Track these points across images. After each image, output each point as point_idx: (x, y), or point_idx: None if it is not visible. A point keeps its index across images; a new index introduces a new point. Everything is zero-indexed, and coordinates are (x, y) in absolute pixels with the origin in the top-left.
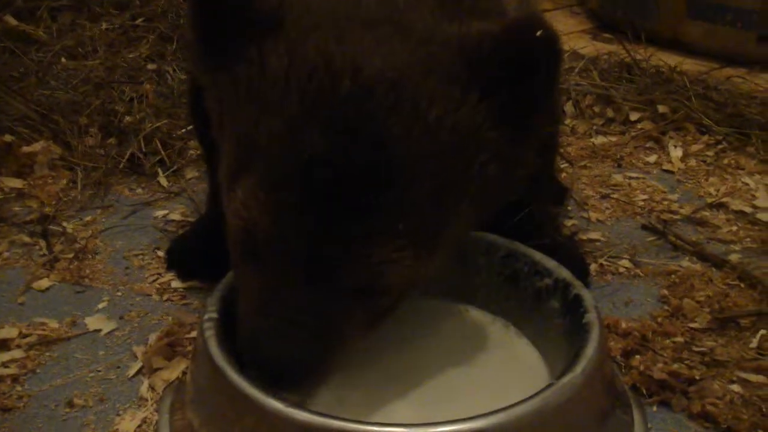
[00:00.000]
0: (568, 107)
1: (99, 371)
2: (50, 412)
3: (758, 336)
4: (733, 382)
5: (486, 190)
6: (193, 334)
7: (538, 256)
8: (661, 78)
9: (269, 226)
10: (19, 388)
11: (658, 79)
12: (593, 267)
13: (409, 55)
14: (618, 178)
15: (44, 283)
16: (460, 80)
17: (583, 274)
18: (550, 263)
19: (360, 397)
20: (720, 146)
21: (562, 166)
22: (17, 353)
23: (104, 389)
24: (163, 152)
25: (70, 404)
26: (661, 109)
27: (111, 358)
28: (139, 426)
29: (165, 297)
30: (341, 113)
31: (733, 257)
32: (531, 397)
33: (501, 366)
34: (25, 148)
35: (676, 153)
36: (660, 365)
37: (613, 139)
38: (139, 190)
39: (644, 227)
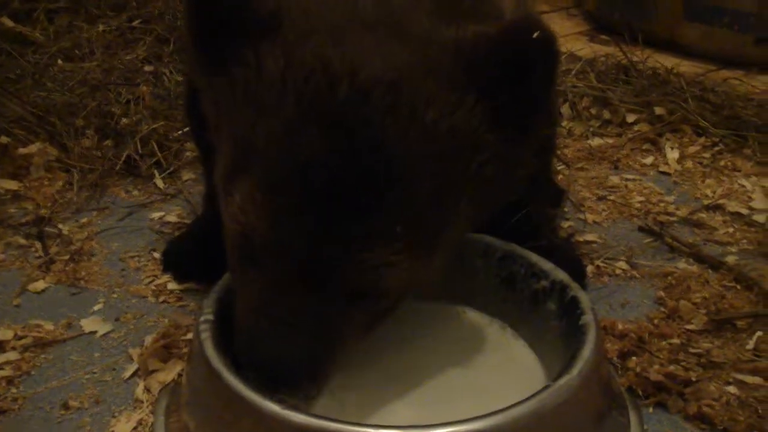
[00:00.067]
0: (565, 109)
1: (94, 373)
2: (45, 414)
3: (755, 338)
4: (729, 383)
5: (484, 191)
6: (189, 336)
7: (535, 257)
8: (658, 80)
9: (266, 230)
10: (14, 390)
11: (654, 81)
12: (590, 269)
13: (407, 58)
14: (615, 179)
15: (40, 284)
16: (458, 82)
17: (579, 276)
18: (547, 265)
19: (358, 399)
20: (716, 148)
21: (558, 167)
22: (12, 355)
23: (100, 391)
24: (159, 154)
25: (66, 406)
26: (658, 111)
27: (106, 360)
28: (135, 428)
29: (161, 299)
30: (338, 116)
31: (730, 259)
32: (528, 399)
33: (498, 368)
34: (21, 150)
35: (673, 155)
36: (656, 367)
37: (610, 140)
38: (136, 192)
39: (641, 229)
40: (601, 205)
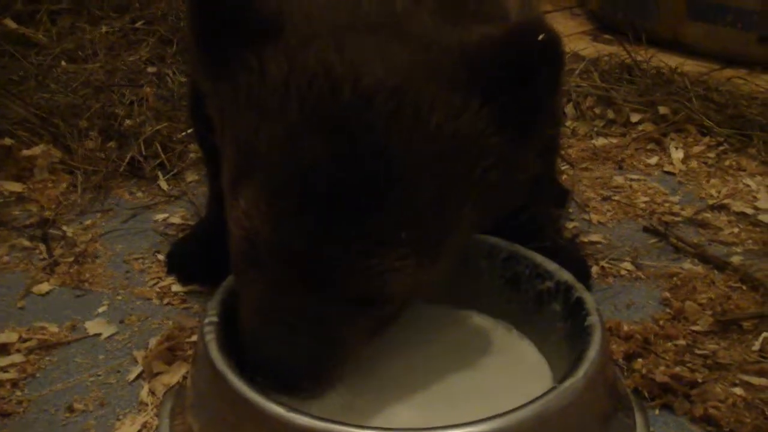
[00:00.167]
0: (569, 109)
1: (99, 376)
2: (50, 417)
3: (761, 338)
4: (735, 385)
5: (488, 195)
6: (194, 338)
7: (540, 258)
8: (662, 79)
9: (270, 234)
10: (18, 392)
11: (658, 80)
12: (595, 269)
13: (410, 62)
14: (619, 180)
15: (44, 287)
16: (462, 86)
17: (584, 277)
18: (552, 266)
19: (363, 402)
20: (721, 148)
21: (562, 168)
22: (17, 358)
23: (104, 394)
24: (163, 155)
25: (70, 409)
26: (662, 110)
27: (111, 362)
28: (140, 431)
29: (165, 301)
30: (341, 121)
31: (735, 259)
32: (533, 401)
33: (505, 369)
34: (25, 152)
35: (677, 154)
36: (662, 368)
37: (614, 140)
38: (140, 194)
39: (646, 229)
40: (605, 205)
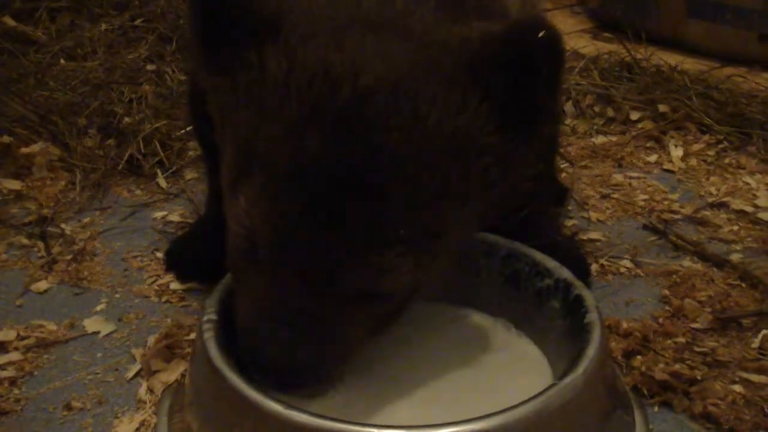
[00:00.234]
0: (569, 107)
1: (97, 374)
2: (48, 415)
3: (760, 336)
4: (735, 382)
5: (488, 193)
6: (192, 335)
7: (539, 256)
8: (662, 77)
9: (270, 232)
10: (16, 390)
11: (658, 78)
12: (594, 267)
13: (410, 59)
14: (618, 177)
15: (42, 285)
16: (461, 83)
17: (583, 275)
18: (551, 263)
19: (363, 400)
20: (721, 146)
21: (562, 166)
22: (15, 355)
23: (102, 392)
24: (162, 153)
25: (68, 407)
26: (662, 108)
27: (109, 360)
28: (138, 429)
29: (164, 299)
30: (341, 119)
31: (735, 257)
32: (532, 399)
33: (504, 367)
34: (24, 150)
35: (677, 152)
36: (661, 366)
37: (614, 138)
38: (138, 192)
39: (645, 227)
40: (605, 203)
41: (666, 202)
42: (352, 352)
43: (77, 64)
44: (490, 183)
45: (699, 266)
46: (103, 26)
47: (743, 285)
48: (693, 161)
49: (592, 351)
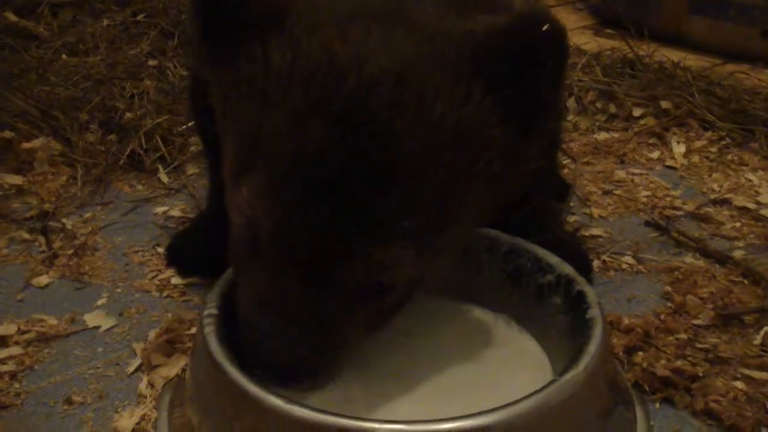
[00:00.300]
0: (571, 103)
1: (98, 368)
2: (48, 409)
3: (762, 333)
4: (736, 379)
5: (491, 187)
6: (193, 330)
7: (541, 252)
8: (664, 74)
9: (272, 224)
10: (17, 385)
11: (660, 74)
12: (596, 263)
13: (414, 51)
14: (621, 174)
15: (43, 279)
16: (466, 75)
17: (585, 271)
18: (553, 259)
19: (363, 395)
20: (723, 142)
21: (564, 162)
22: (15, 350)
23: (103, 386)
24: (163, 148)
25: (69, 401)
26: (664, 105)
27: (110, 354)
28: (138, 423)
29: (165, 293)
30: (345, 110)
31: (737, 254)
32: (533, 394)
33: (505, 363)
34: (25, 145)
35: (679, 149)
36: (663, 362)
37: (616, 135)
38: (140, 187)
39: (647, 223)
40: (607, 199)
41: (668, 199)
42: (352, 345)
43: (79, 59)
44: (493, 176)
45: (701, 263)
46: (105, 22)
47: (745, 282)
48: (695, 158)
49: (593, 347)
